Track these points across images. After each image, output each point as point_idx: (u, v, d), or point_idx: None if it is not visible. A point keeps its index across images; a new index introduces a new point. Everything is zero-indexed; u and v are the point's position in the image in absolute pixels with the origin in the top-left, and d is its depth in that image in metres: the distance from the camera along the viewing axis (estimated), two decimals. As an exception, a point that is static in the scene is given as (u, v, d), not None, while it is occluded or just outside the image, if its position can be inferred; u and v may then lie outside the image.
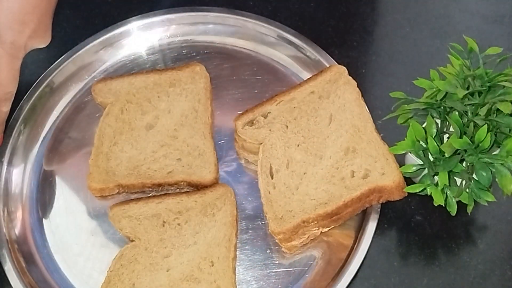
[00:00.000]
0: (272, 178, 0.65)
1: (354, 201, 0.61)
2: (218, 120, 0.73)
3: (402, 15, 0.83)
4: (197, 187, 0.67)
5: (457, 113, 0.58)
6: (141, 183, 0.66)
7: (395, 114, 0.63)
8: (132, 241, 0.63)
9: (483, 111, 0.56)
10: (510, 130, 0.57)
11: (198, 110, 0.72)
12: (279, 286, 0.62)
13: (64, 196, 0.69)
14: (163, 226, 0.64)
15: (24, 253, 0.64)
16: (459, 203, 0.58)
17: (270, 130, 0.68)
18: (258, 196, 0.65)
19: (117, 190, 0.67)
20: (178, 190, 0.67)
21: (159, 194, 0.67)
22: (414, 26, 0.82)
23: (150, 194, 0.67)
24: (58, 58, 0.76)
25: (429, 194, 0.58)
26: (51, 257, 0.65)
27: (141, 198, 0.66)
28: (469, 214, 0.59)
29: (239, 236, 0.65)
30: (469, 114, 0.58)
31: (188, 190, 0.67)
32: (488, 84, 0.58)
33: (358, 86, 0.70)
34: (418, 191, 0.59)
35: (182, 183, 0.66)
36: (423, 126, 0.59)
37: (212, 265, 0.61)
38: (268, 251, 0.64)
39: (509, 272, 0.63)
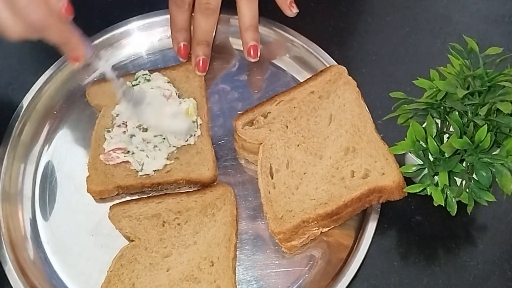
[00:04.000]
0: (272, 178, 0.65)
1: (354, 201, 0.61)
2: (218, 120, 0.73)
3: (402, 15, 0.83)
4: (197, 185, 0.67)
5: (457, 113, 0.58)
6: (140, 184, 0.66)
7: (395, 114, 0.63)
8: (132, 241, 0.63)
9: (483, 111, 0.56)
10: (510, 130, 0.57)
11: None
12: (279, 286, 0.62)
13: (64, 196, 0.69)
14: (163, 226, 0.64)
15: (24, 253, 0.64)
16: (459, 203, 0.58)
17: (270, 130, 0.68)
18: (258, 196, 0.65)
19: (117, 192, 0.67)
20: (178, 189, 0.67)
21: (159, 194, 0.67)
22: (414, 26, 0.82)
23: (150, 194, 0.67)
24: (58, 58, 0.76)
25: (429, 194, 0.58)
26: (51, 257, 0.65)
27: (141, 198, 0.66)
28: (469, 214, 0.59)
29: (239, 236, 0.65)
30: (469, 114, 0.57)
31: (188, 188, 0.67)
32: (488, 84, 0.58)
33: (358, 86, 0.70)
34: (418, 191, 0.59)
35: (181, 181, 0.66)
36: (423, 126, 0.59)
37: (212, 265, 0.61)
38: (268, 251, 0.64)
39: (509, 272, 0.63)
